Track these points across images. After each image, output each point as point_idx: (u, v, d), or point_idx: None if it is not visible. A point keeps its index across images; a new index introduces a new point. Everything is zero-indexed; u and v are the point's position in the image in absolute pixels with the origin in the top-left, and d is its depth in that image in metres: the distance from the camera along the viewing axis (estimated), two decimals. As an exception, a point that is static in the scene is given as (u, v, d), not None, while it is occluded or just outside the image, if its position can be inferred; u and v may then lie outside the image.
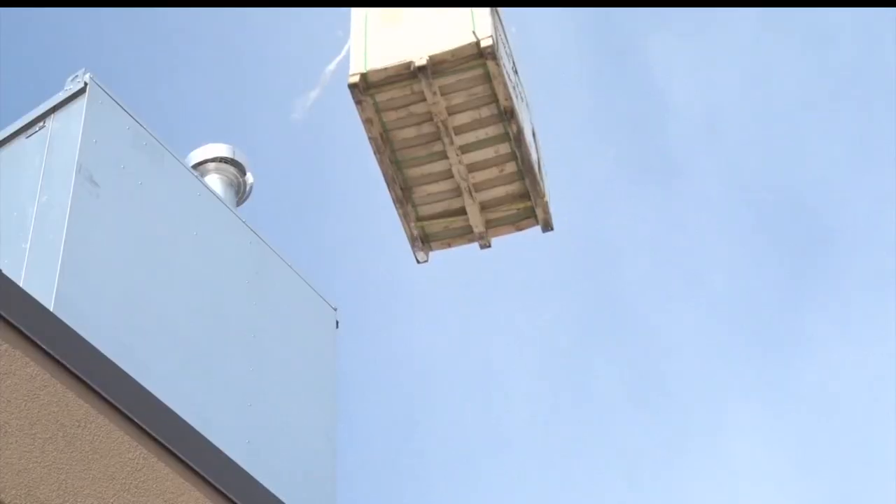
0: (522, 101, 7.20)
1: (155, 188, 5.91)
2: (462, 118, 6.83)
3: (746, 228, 23.94)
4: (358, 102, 6.72)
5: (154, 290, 5.65)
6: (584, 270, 23.46)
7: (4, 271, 4.42)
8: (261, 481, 5.07)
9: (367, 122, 6.79)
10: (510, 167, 7.02)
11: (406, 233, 7.25)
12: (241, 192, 7.34)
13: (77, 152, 5.52)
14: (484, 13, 6.84)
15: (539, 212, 7.22)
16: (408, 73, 6.65)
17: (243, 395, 5.89)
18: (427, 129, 6.85)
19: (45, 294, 5.03)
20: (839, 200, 23.98)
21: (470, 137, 6.88)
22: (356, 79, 6.72)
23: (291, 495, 5.44)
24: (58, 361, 4.35)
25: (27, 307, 4.37)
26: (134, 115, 5.95)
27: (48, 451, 4.16)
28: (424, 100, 6.71)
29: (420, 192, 7.07)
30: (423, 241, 7.24)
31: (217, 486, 4.73)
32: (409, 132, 6.85)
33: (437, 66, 6.66)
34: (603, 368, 23.97)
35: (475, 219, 7.16)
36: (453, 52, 6.67)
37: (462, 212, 7.14)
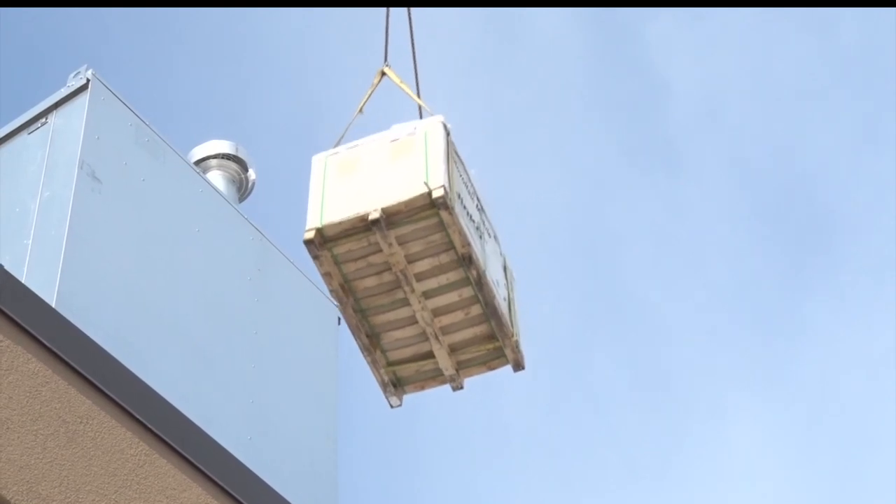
0: (490, 236, 7.24)
1: (157, 184, 5.91)
2: (422, 265, 6.85)
3: (747, 215, 23.92)
4: (315, 257, 6.65)
5: (156, 286, 5.65)
6: (583, 258, 23.45)
7: (6, 267, 4.42)
8: (262, 477, 5.07)
9: (327, 276, 6.73)
10: (476, 310, 7.06)
11: (376, 379, 7.26)
12: (243, 189, 7.34)
13: (79, 148, 5.52)
14: (438, 160, 6.84)
15: (508, 353, 7.27)
16: (363, 226, 6.67)
17: (245, 392, 5.89)
18: (388, 277, 6.86)
19: (47, 290, 5.03)
20: (841, 187, 23.95)
21: (432, 283, 6.91)
22: (311, 234, 6.67)
23: (293, 491, 5.43)
24: (60, 358, 4.35)
25: (29, 303, 4.37)
26: (136, 111, 5.94)
27: (50, 448, 4.16)
28: (382, 250, 6.74)
29: (387, 337, 7.09)
30: (396, 385, 7.26)
31: (219, 482, 4.73)
32: (370, 281, 6.85)
33: (391, 218, 6.68)
34: (603, 359, 23.96)
35: (444, 362, 7.19)
36: (406, 203, 6.69)
37: (432, 355, 7.18)
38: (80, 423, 4.31)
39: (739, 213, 23.59)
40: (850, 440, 23.06)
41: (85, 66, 5.80)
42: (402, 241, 6.72)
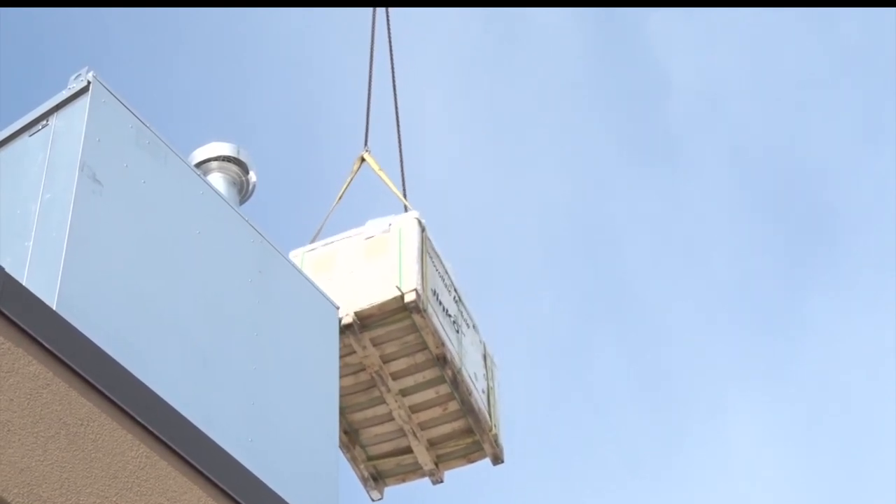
0: (469, 326, 7.23)
1: (158, 187, 5.91)
2: (398, 364, 6.87)
3: (748, 212, 23.92)
4: None
5: (157, 288, 5.65)
6: (584, 256, 23.45)
7: (7, 269, 4.42)
8: (263, 479, 5.07)
9: None
10: (453, 405, 7.08)
11: (357, 475, 7.26)
12: (244, 191, 7.35)
13: (80, 150, 5.52)
14: (412, 260, 6.82)
15: (487, 447, 7.27)
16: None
17: (246, 394, 5.90)
18: (364, 376, 6.89)
19: (48, 292, 5.03)
20: (842, 182, 23.94)
21: (409, 381, 6.93)
22: None
23: (293, 494, 5.44)
24: (60, 360, 4.35)
25: (30, 305, 4.38)
26: (137, 113, 5.95)
27: (51, 450, 4.16)
28: (356, 352, 6.73)
29: (367, 433, 7.11)
30: (377, 479, 7.27)
31: (219, 484, 4.74)
32: (347, 381, 6.88)
33: (364, 321, 6.70)
34: (603, 357, 23.96)
35: (423, 457, 7.21)
36: (379, 307, 6.70)
37: (411, 450, 7.17)
38: (81, 425, 4.31)
39: (740, 209, 23.60)
40: (850, 439, 23.07)
41: (86, 68, 5.81)
42: (376, 343, 6.75)
